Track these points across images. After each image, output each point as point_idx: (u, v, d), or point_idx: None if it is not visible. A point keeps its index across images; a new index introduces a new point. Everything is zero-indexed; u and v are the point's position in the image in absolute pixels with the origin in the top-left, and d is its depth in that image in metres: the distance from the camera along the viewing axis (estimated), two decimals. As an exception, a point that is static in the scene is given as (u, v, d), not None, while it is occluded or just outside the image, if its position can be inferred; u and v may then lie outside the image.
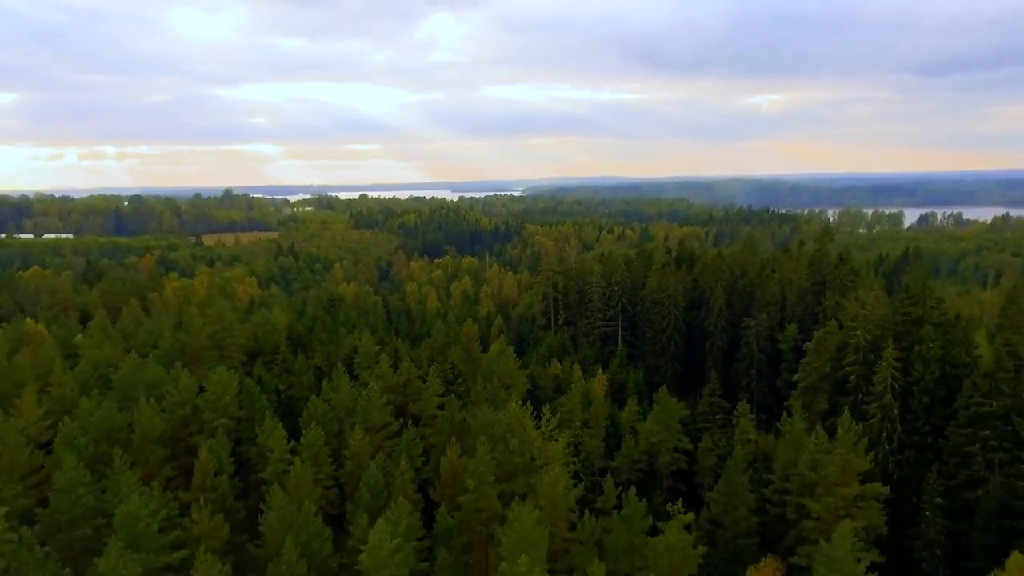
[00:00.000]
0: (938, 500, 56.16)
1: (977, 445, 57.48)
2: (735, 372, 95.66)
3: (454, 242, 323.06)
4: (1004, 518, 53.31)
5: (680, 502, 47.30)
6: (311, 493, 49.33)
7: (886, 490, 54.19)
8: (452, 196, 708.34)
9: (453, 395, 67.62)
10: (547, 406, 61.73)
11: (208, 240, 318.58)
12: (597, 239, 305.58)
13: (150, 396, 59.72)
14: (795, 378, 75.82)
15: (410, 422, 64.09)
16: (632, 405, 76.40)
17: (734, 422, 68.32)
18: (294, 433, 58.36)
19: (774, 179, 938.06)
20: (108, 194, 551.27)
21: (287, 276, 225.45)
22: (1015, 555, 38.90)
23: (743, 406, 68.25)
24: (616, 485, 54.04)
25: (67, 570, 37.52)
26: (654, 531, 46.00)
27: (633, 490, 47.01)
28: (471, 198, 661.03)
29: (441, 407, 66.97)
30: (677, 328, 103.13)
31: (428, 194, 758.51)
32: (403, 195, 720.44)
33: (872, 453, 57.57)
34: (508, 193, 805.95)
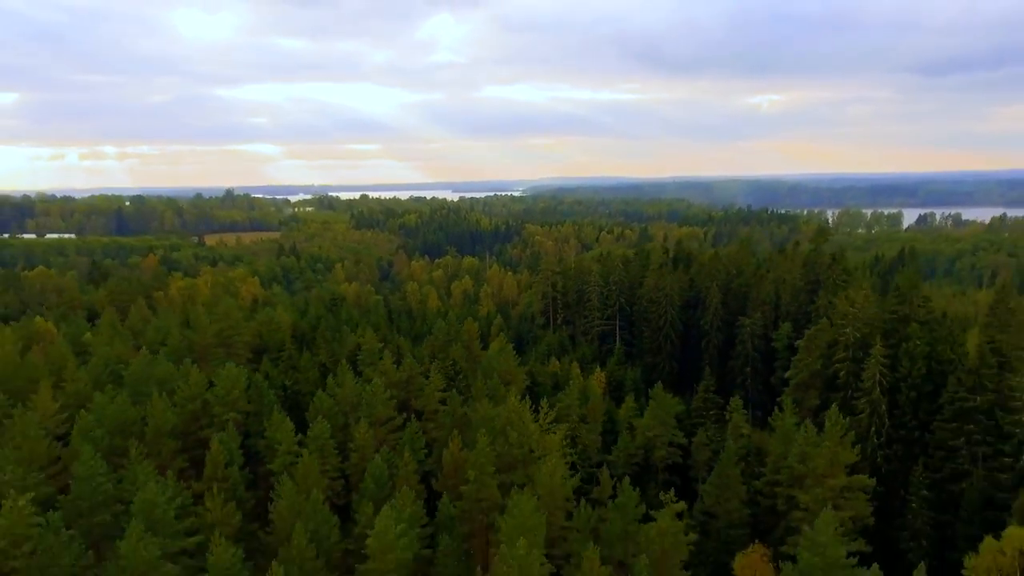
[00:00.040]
0: (924, 492, 58.20)
1: (962, 439, 59.50)
2: (730, 370, 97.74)
3: (454, 242, 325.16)
4: (987, 510, 55.27)
5: (672, 491, 49.22)
6: (318, 483, 51.33)
7: (872, 481, 56.19)
8: (452, 196, 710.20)
9: (454, 391, 69.63)
10: (545, 400, 63.76)
11: (210, 240, 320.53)
12: (596, 239, 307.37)
13: (161, 391, 61.74)
14: (787, 375, 77.84)
15: (413, 416, 66.09)
16: (629, 402, 78.35)
17: (727, 417, 70.26)
18: (300, 427, 60.33)
19: (774, 179, 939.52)
20: (109, 194, 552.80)
21: (289, 276, 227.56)
22: (988, 539, 40.87)
23: (736, 401, 70.20)
24: (612, 477, 56.06)
25: (90, 552, 39.56)
26: (648, 520, 48.00)
27: (627, 479, 49.03)
28: (471, 198, 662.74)
29: (443, 402, 68.97)
30: (674, 327, 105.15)
31: (428, 194, 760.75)
32: (403, 195, 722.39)
33: (860, 447, 59.66)
34: (508, 193, 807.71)
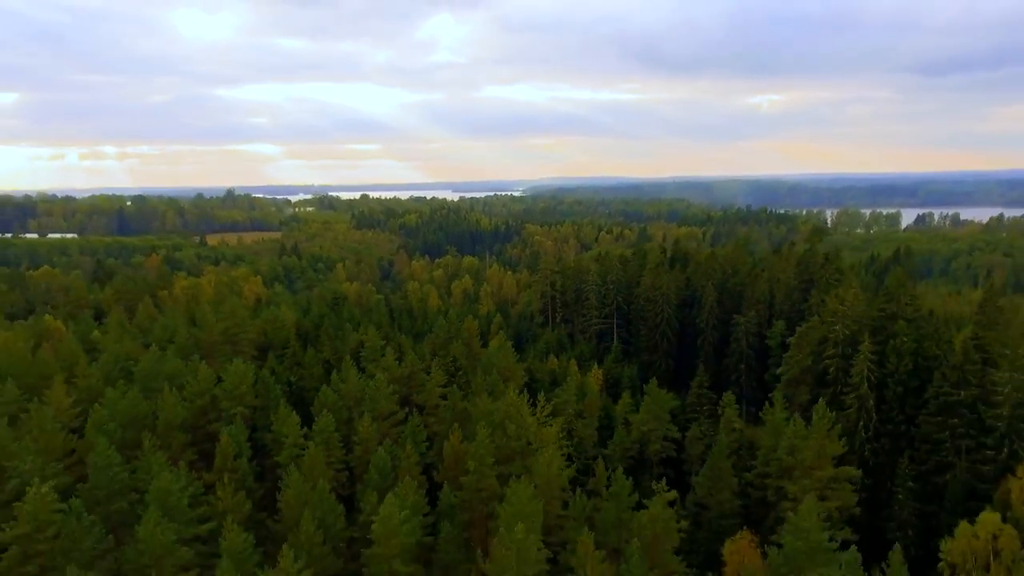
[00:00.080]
0: (910, 484, 60.24)
1: (946, 433, 61.56)
2: (725, 367, 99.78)
3: (455, 242, 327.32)
4: (969, 500, 57.17)
5: (664, 481, 51.21)
6: (324, 474, 53.31)
7: (858, 472, 58.23)
8: (452, 196, 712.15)
9: (455, 386, 71.55)
10: (542, 394, 65.75)
11: (212, 240, 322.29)
12: (596, 239, 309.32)
13: (171, 386, 63.77)
14: (779, 371, 79.84)
15: (415, 411, 68.01)
16: (626, 398, 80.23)
17: (720, 413, 72.22)
18: (306, 421, 62.28)
19: (774, 179, 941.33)
20: (109, 194, 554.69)
21: (291, 275, 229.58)
22: (963, 524, 42.87)
23: (728, 396, 72.18)
24: (607, 469, 58.01)
25: (110, 536, 41.61)
26: (641, 510, 49.94)
27: (620, 469, 51.07)
28: (471, 198, 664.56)
29: (443, 397, 70.93)
30: (670, 325, 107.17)
31: (428, 194, 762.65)
32: (403, 195, 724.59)
33: (849, 440, 61.71)
34: (508, 193, 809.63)
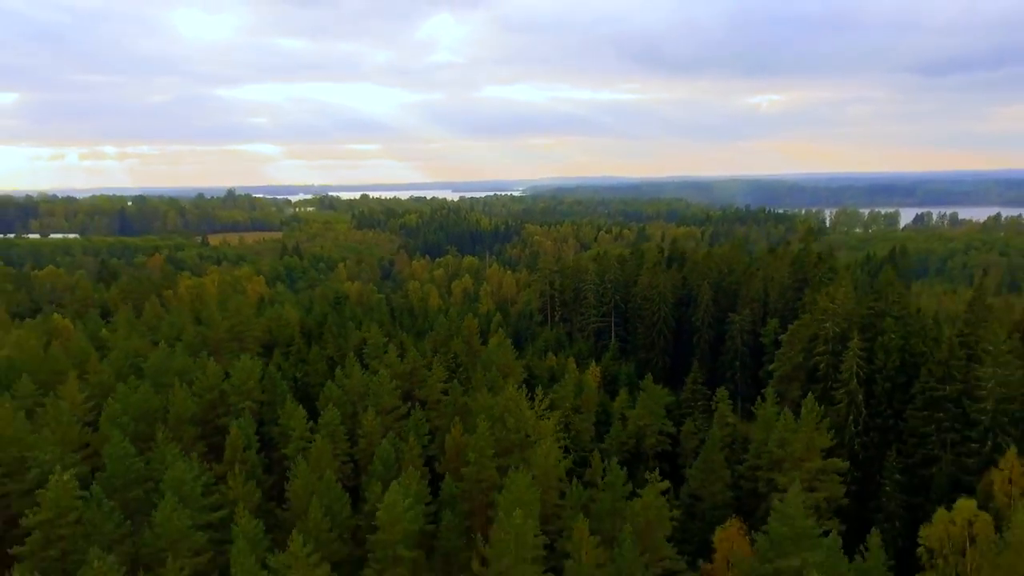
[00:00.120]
0: (897, 476, 62.12)
1: (932, 426, 63.48)
2: (720, 364, 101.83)
3: (455, 242, 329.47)
4: (954, 492, 58.97)
5: (657, 473, 53.19)
6: (331, 465, 55.37)
7: (845, 464, 60.15)
8: (452, 196, 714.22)
9: (455, 382, 73.58)
10: (540, 389, 67.78)
11: (213, 240, 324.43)
12: (595, 239, 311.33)
13: (181, 382, 65.82)
14: (771, 368, 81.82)
15: (417, 405, 70.08)
16: (623, 395, 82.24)
17: (714, 408, 74.21)
18: (311, 415, 64.34)
19: (773, 179, 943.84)
20: (110, 194, 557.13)
21: (292, 275, 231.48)
22: (940, 510, 44.84)
23: (722, 392, 74.08)
24: (603, 461, 59.98)
25: (128, 522, 43.65)
26: (635, 499, 51.89)
27: (615, 460, 53.08)
28: (471, 198, 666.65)
29: (445, 392, 73.01)
30: (667, 323, 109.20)
31: (429, 194, 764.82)
32: (404, 195, 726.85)
33: (839, 434, 63.71)
34: (508, 193, 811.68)
